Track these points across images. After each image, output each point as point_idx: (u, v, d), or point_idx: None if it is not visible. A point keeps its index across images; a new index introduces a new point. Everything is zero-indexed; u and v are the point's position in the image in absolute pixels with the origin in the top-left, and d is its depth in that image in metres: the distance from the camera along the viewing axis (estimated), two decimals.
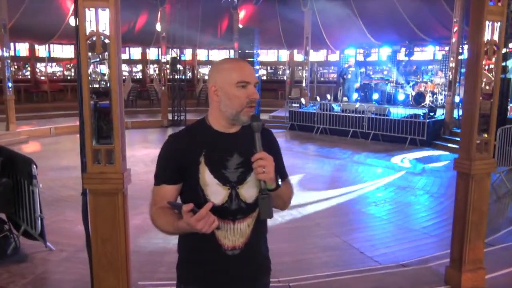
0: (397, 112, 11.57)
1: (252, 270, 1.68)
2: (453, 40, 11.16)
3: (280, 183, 1.64)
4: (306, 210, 5.99)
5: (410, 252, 4.52)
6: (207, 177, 1.56)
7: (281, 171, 1.71)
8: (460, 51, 11.12)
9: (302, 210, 5.97)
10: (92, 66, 2.65)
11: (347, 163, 9.43)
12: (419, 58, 15.71)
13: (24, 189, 4.40)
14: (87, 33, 2.57)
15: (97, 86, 2.69)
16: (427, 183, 7.48)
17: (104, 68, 2.73)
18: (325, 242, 4.88)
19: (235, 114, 1.58)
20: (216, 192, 1.57)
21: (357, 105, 12.46)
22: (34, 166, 4.26)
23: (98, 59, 2.62)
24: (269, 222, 5.52)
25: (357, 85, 14.33)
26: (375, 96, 14.20)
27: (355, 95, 14.35)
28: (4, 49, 12.04)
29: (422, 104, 12.84)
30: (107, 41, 2.58)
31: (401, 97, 14.09)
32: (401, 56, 15.71)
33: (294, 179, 7.81)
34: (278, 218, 5.76)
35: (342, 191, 7.32)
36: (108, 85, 2.62)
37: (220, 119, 1.61)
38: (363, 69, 15.69)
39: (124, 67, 18.16)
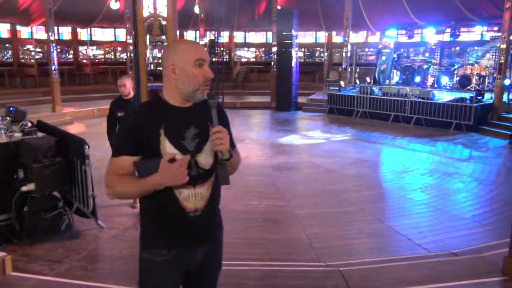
0: (442, 95, 11.14)
1: (211, 229, 1.87)
2: (505, 19, 10.54)
3: (231, 152, 1.79)
4: (350, 195, 5.91)
5: (461, 241, 4.38)
6: (167, 147, 1.69)
7: (231, 142, 1.82)
8: None
9: (346, 195, 5.90)
10: (148, 48, 2.66)
11: (389, 148, 9.21)
12: (465, 39, 14.98)
13: (77, 168, 4.55)
14: (145, 16, 2.57)
15: (154, 68, 2.71)
16: (475, 169, 7.19)
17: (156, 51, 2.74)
18: (371, 228, 4.81)
19: (191, 91, 1.70)
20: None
21: (399, 88, 12.09)
22: (87, 146, 4.38)
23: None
24: (314, 207, 5.46)
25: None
26: (417, 79, 13.70)
27: (395, 78, 13.88)
28: (50, 33, 12.40)
29: (468, 87, 12.29)
30: (164, 23, 2.58)
31: (444, 80, 13.54)
32: (446, 37, 15.04)
33: (333, 163, 7.71)
34: (322, 202, 5.72)
35: (385, 176, 7.18)
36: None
37: (176, 95, 1.74)
38: (401, 50, 15.06)
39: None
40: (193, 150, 1.72)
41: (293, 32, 14.17)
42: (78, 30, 18.49)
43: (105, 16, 16.92)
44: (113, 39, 19.27)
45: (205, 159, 1.75)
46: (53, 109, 12.38)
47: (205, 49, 1.75)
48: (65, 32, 18.45)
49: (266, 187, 6.35)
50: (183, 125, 1.73)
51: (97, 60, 19.20)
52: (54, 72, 12.32)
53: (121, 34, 18.70)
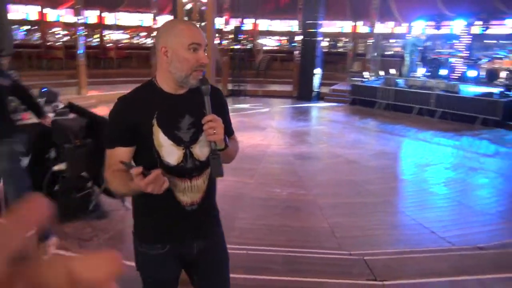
0: (468, 89, 10.92)
1: (209, 222, 1.80)
2: None
3: (228, 142, 1.66)
4: (372, 187, 5.89)
5: (486, 236, 4.32)
6: (161, 138, 1.60)
7: (228, 129, 1.73)
8: None
9: (368, 186, 5.88)
10: None
11: (412, 141, 9.10)
12: (495, 32, 14.55)
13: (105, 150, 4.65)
14: (184, 0, 2.60)
15: None
16: (501, 166, 7.06)
17: None
18: (394, 219, 4.81)
19: (184, 77, 1.58)
20: (171, 153, 1.62)
21: (425, 81, 11.88)
22: None
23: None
24: (336, 197, 5.43)
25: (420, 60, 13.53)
26: (443, 72, 13.44)
27: (421, 70, 13.65)
28: (78, 16, 12.58)
29: (496, 82, 11.99)
30: (203, 8, 2.60)
31: (472, 73, 13.23)
32: (476, 29, 14.66)
33: (355, 154, 7.68)
34: (344, 192, 5.73)
35: (408, 169, 7.13)
36: None
37: (169, 80, 1.62)
38: (428, 43, 14.78)
39: None
40: (188, 140, 1.63)
41: (319, 21, 14.03)
42: (104, 14, 18.69)
43: (131, 0, 17.06)
44: (139, 24, 19.42)
45: (200, 150, 1.65)
46: (79, 92, 12.61)
47: (203, 32, 1.62)
48: (92, 16, 18.66)
49: (288, 175, 6.38)
50: (177, 114, 1.62)
51: (121, 45, 19.42)
52: (80, 55, 12.52)
53: (146, 19, 18.85)
